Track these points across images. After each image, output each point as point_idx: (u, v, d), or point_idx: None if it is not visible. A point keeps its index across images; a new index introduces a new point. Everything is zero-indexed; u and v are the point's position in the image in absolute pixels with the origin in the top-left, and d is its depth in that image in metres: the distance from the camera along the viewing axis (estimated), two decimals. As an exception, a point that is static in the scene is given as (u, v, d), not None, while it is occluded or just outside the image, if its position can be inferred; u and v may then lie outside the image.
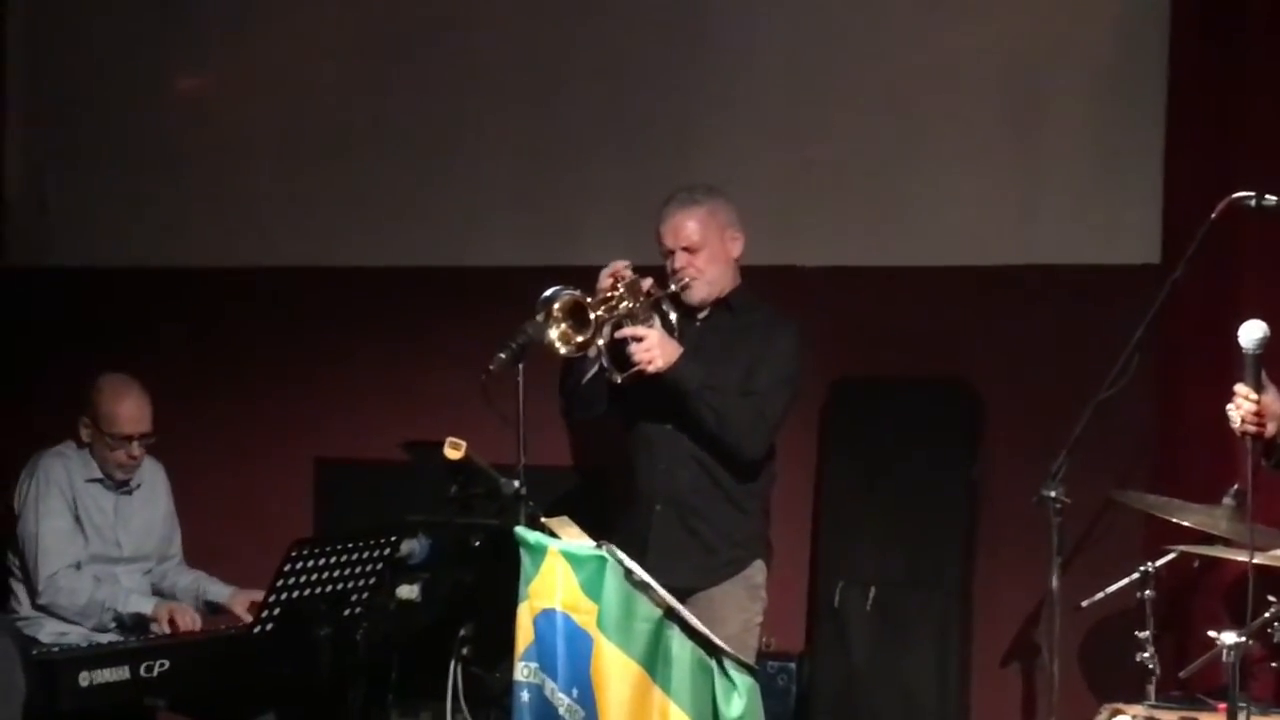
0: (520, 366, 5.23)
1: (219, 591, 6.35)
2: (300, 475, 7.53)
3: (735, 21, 7.11)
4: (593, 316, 5.44)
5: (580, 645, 4.66)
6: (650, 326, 5.60)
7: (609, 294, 5.54)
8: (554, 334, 5.40)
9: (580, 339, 5.45)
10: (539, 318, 5.37)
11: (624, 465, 5.90)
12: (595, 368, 5.66)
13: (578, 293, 5.44)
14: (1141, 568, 5.77)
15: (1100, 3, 6.70)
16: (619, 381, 5.58)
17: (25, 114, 8.15)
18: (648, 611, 4.58)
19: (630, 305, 5.57)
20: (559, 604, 4.75)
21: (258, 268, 7.69)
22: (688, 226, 5.73)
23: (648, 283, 5.64)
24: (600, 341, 5.56)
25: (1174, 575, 5.94)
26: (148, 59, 7.92)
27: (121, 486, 6.29)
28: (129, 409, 6.21)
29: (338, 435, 7.50)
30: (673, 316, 5.72)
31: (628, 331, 5.56)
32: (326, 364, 7.54)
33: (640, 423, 5.79)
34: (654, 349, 5.53)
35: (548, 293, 5.40)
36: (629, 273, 5.59)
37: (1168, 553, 5.80)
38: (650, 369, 5.54)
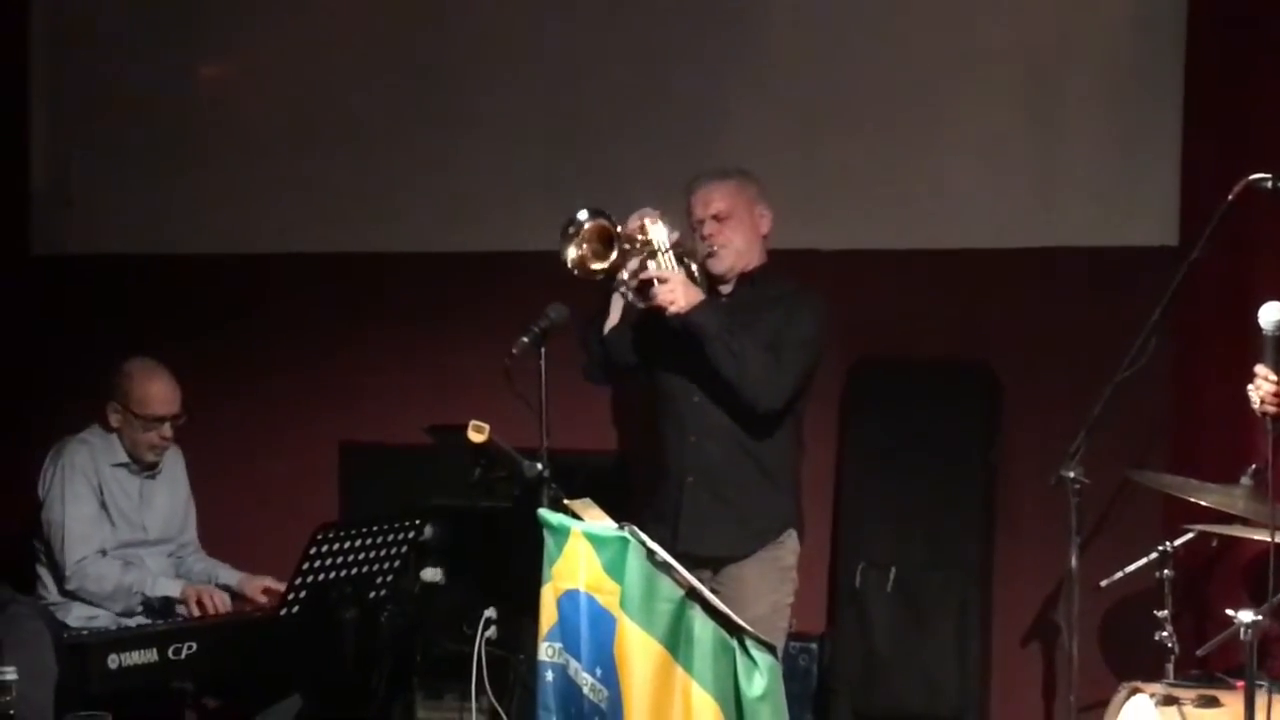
0: (543, 350, 5.26)
1: (229, 575, 6.39)
2: (325, 459, 7.54)
3: (760, 8, 7.14)
4: (616, 249, 5.49)
5: (603, 625, 4.68)
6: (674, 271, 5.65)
7: (637, 234, 5.59)
8: (573, 254, 5.45)
9: (598, 267, 5.49)
10: (567, 230, 5.44)
11: (652, 440, 5.94)
12: (616, 314, 5.70)
13: (609, 221, 5.48)
14: (1160, 547, 5.80)
15: (1118, -16, 6.72)
16: (641, 305, 5.61)
17: (49, 107, 8.18)
18: (670, 592, 4.60)
19: (655, 248, 5.61)
20: (582, 585, 4.77)
21: (281, 254, 7.72)
22: (716, 195, 5.80)
23: (675, 235, 5.69)
24: (625, 273, 5.58)
25: (1192, 554, 5.96)
26: (168, 51, 7.93)
27: (146, 470, 6.34)
28: (160, 390, 6.25)
29: (362, 419, 7.51)
30: (695, 270, 5.76)
31: (652, 272, 5.58)
32: (351, 349, 7.56)
33: (668, 396, 5.83)
34: (676, 290, 5.57)
35: (581, 213, 5.46)
36: (659, 219, 5.63)
37: (1186, 532, 5.82)
38: (671, 309, 5.57)
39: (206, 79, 8.01)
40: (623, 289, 5.65)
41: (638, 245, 5.58)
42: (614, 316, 5.76)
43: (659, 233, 5.61)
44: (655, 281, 5.58)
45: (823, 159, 7.00)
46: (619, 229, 5.51)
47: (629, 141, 7.24)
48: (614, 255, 5.50)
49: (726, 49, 7.13)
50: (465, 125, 7.50)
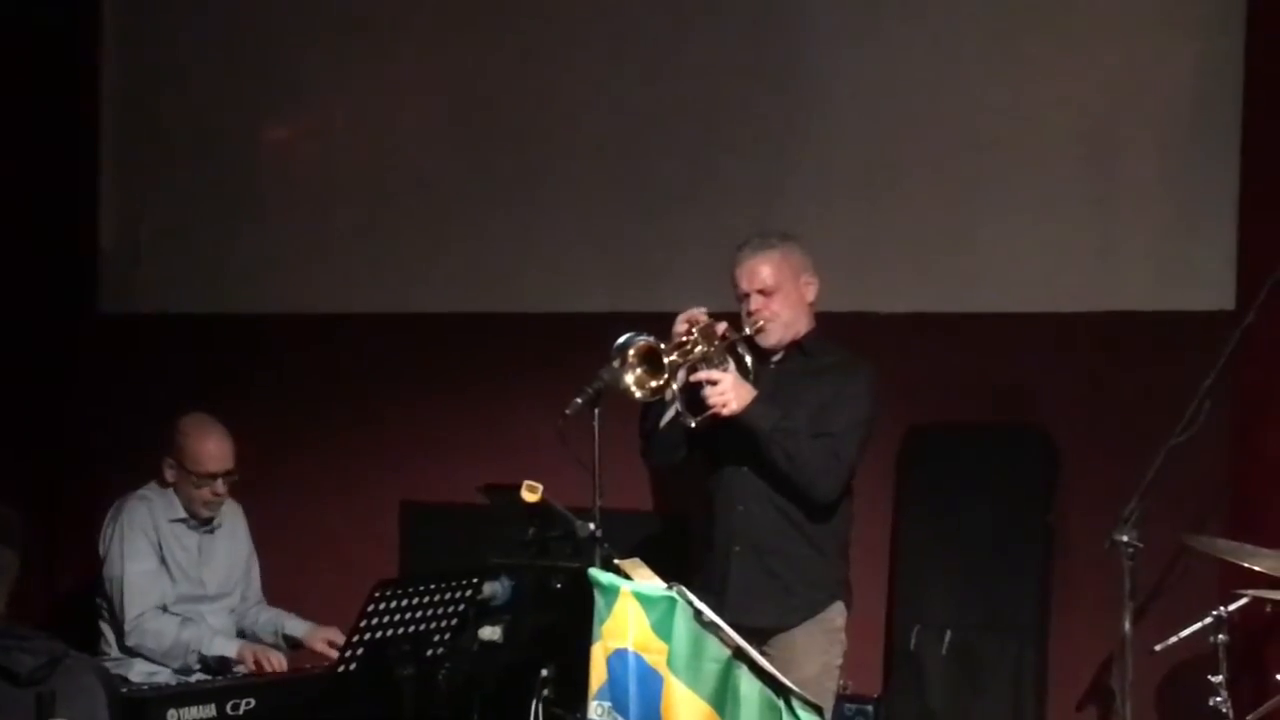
0: (596, 411, 5.31)
1: (296, 626, 6.46)
2: (385, 518, 7.62)
3: (815, 70, 7.16)
4: (667, 361, 5.51)
5: (651, 684, 4.72)
6: (725, 370, 5.66)
7: (683, 339, 5.60)
8: (630, 379, 5.46)
9: (655, 384, 5.51)
10: (615, 364, 5.45)
11: (702, 507, 5.95)
12: (672, 412, 5.73)
13: (651, 339, 5.50)
14: (1215, 612, 5.74)
15: (1175, 49, 6.68)
16: (693, 425, 5.65)
17: (119, 167, 8.32)
18: (716, 651, 4.63)
19: (705, 349, 5.62)
20: (631, 644, 4.80)
21: (343, 314, 7.81)
22: (762, 270, 5.79)
23: (722, 326, 5.70)
24: (675, 386, 5.62)
25: (1248, 620, 5.91)
26: (237, 113, 8.07)
27: (204, 525, 6.42)
28: (213, 447, 6.34)
29: (422, 478, 7.58)
30: (748, 359, 5.78)
31: (702, 375, 5.61)
32: (409, 409, 7.63)
33: (717, 466, 5.84)
34: (728, 392, 5.59)
35: (622, 339, 5.47)
36: (704, 318, 5.66)
37: (1240, 597, 5.79)
38: (725, 412, 5.59)
39: (273, 141, 8.13)
40: (675, 406, 5.67)
41: (686, 348, 5.59)
42: (669, 413, 5.77)
43: (706, 330, 5.64)
44: (706, 383, 5.61)
45: (880, 222, 7.00)
46: (663, 344, 5.54)
47: (687, 204, 7.28)
48: (666, 366, 5.52)
49: (785, 112, 7.17)
50: (526, 188, 7.57)
